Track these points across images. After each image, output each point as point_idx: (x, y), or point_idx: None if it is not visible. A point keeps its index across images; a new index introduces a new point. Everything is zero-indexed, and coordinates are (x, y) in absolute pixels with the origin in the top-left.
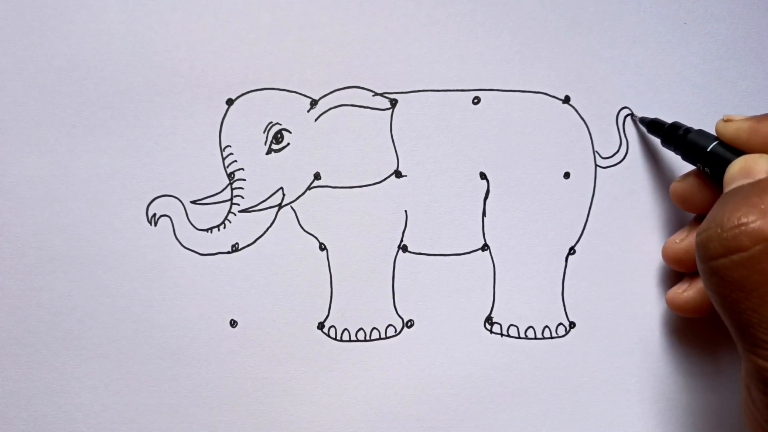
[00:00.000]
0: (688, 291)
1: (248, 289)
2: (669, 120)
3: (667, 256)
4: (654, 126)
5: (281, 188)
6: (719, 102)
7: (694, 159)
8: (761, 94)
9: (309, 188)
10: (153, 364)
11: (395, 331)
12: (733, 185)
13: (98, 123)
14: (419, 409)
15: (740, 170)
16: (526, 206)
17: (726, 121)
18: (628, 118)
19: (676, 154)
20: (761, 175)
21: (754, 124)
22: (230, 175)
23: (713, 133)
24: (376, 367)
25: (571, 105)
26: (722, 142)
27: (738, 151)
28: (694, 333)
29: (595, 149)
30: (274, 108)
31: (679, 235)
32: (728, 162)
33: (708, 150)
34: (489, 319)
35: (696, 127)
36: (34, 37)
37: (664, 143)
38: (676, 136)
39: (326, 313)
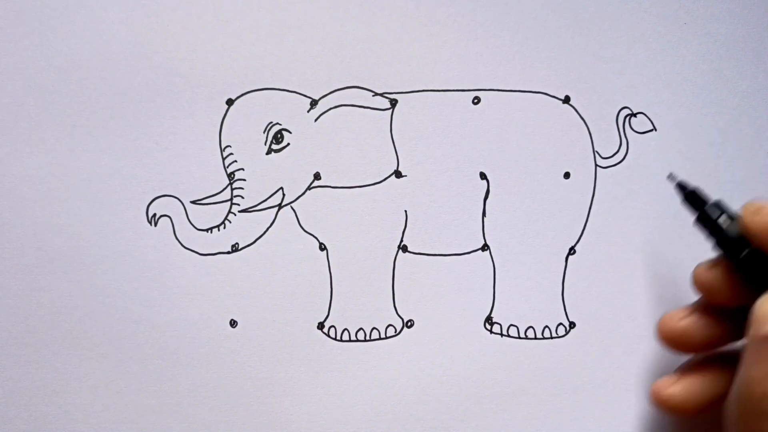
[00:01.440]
0: (675, 386)
1: (248, 289)
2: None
3: (663, 333)
4: (691, 199)
5: (281, 188)
6: (719, 102)
7: (730, 255)
8: (761, 94)
9: (309, 188)
10: (153, 364)
11: (395, 331)
12: None
13: (98, 123)
14: (419, 409)
15: None
16: (526, 206)
17: (754, 211)
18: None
19: (708, 239)
20: None
21: None
22: (230, 175)
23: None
24: (376, 367)
25: (571, 105)
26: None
27: None
28: None
29: (595, 149)
30: (274, 108)
31: (681, 312)
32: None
33: (743, 255)
34: (489, 319)
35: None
36: (34, 37)
37: (698, 222)
38: (711, 221)
39: (326, 313)
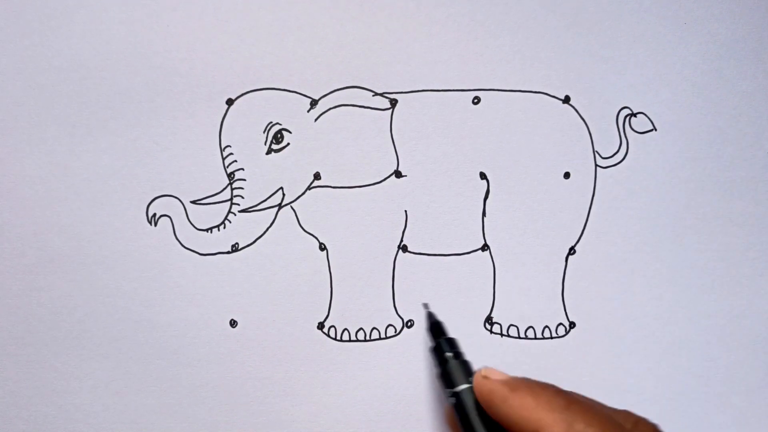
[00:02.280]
0: None
1: (248, 289)
2: None
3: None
4: (434, 329)
5: (281, 188)
6: (719, 102)
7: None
8: (761, 94)
9: (309, 188)
10: (153, 364)
11: (395, 331)
12: None
13: (98, 123)
14: (419, 409)
15: None
16: (526, 206)
17: (484, 377)
18: (628, 118)
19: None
20: None
21: (507, 393)
22: (230, 175)
23: None
24: (376, 367)
25: (571, 105)
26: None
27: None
28: (693, 333)
29: (595, 149)
30: (274, 108)
31: None
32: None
33: (452, 399)
34: (489, 319)
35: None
36: (34, 37)
37: (432, 351)
38: (440, 354)
39: (326, 313)
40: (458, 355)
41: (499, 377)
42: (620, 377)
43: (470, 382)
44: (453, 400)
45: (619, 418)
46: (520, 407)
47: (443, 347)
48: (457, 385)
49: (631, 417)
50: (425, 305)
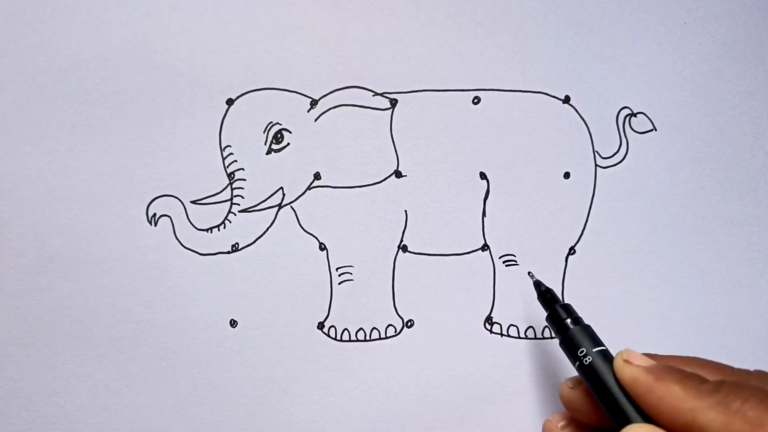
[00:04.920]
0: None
1: (248, 289)
2: None
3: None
4: (544, 298)
5: (281, 188)
6: (719, 102)
7: (573, 357)
8: (761, 94)
9: (309, 188)
10: (153, 364)
11: (395, 331)
12: None
13: (98, 123)
14: (419, 409)
15: None
16: (526, 206)
17: (625, 360)
18: (628, 118)
19: (555, 336)
20: None
21: (652, 383)
22: (230, 175)
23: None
24: (376, 367)
25: (571, 105)
26: (605, 357)
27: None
28: (693, 333)
29: (595, 149)
30: (274, 108)
31: (561, 419)
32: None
33: (587, 364)
34: (489, 319)
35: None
36: (34, 37)
37: (548, 320)
38: (560, 321)
39: (326, 313)
40: (578, 320)
41: (642, 363)
42: None
43: (599, 346)
44: (588, 359)
45: (754, 380)
46: (669, 397)
47: (560, 314)
48: (587, 349)
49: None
50: (530, 274)
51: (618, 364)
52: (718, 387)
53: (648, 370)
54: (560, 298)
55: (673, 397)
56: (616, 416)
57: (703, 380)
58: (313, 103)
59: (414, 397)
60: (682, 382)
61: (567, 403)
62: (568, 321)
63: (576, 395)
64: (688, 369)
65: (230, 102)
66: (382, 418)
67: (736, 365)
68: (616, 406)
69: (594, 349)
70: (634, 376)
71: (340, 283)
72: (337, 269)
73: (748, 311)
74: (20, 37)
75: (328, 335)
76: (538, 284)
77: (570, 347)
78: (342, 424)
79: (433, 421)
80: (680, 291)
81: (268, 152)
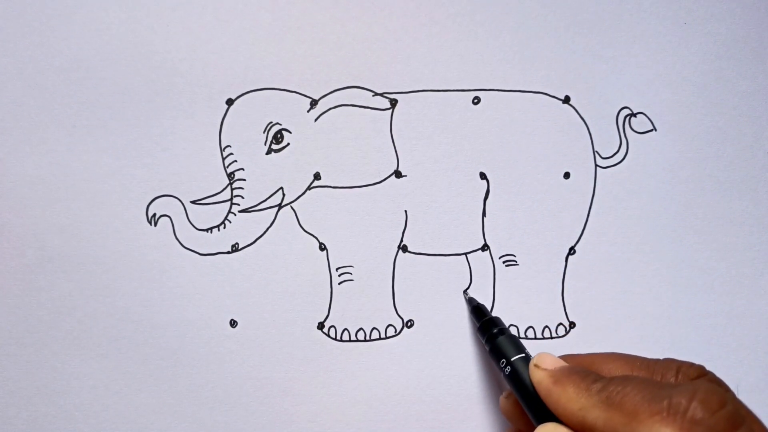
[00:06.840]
0: None
1: (248, 289)
2: None
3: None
4: (476, 312)
5: (281, 188)
6: (719, 102)
7: (498, 368)
8: (761, 94)
9: (309, 188)
10: (153, 364)
11: (395, 331)
12: None
13: (98, 123)
14: (419, 409)
15: None
16: (526, 206)
17: (535, 365)
18: (628, 118)
19: (485, 346)
20: None
21: (551, 386)
22: (230, 175)
23: None
24: (376, 367)
25: (571, 105)
26: (524, 362)
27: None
28: (692, 333)
29: (595, 149)
30: (274, 108)
31: None
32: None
33: (507, 374)
34: None
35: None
36: (34, 37)
37: (479, 331)
38: (489, 332)
39: (326, 313)
40: (503, 331)
41: (550, 366)
42: None
43: (521, 353)
44: (508, 369)
45: (659, 368)
46: (564, 399)
47: (489, 327)
48: (507, 358)
49: (674, 364)
50: (465, 292)
51: (530, 369)
52: (605, 384)
53: (550, 373)
54: (489, 312)
55: (567, 398)
56: (535, 420)
57: (596, 379)
58: (313, 103)
59: (414, 397)
60: (576, 383)
61: (505, 414)
62: (495, 331)
63: (509, 405)
64: (603, 366)
65: (230, 102)
66: (382, 418)
67: (735, 365)
68: (530, 410)
69: (513, 357)
70: (538, 380)
71: (340, 283)
72: (337, 269)
73: (748, 311)
74: (20, 37)
75: (328, 335)
76: (470, 301)
77: (494, 359)
78: (342, 424)
79: (433, 421)
80: (680, 291)
81: (268, 152)
